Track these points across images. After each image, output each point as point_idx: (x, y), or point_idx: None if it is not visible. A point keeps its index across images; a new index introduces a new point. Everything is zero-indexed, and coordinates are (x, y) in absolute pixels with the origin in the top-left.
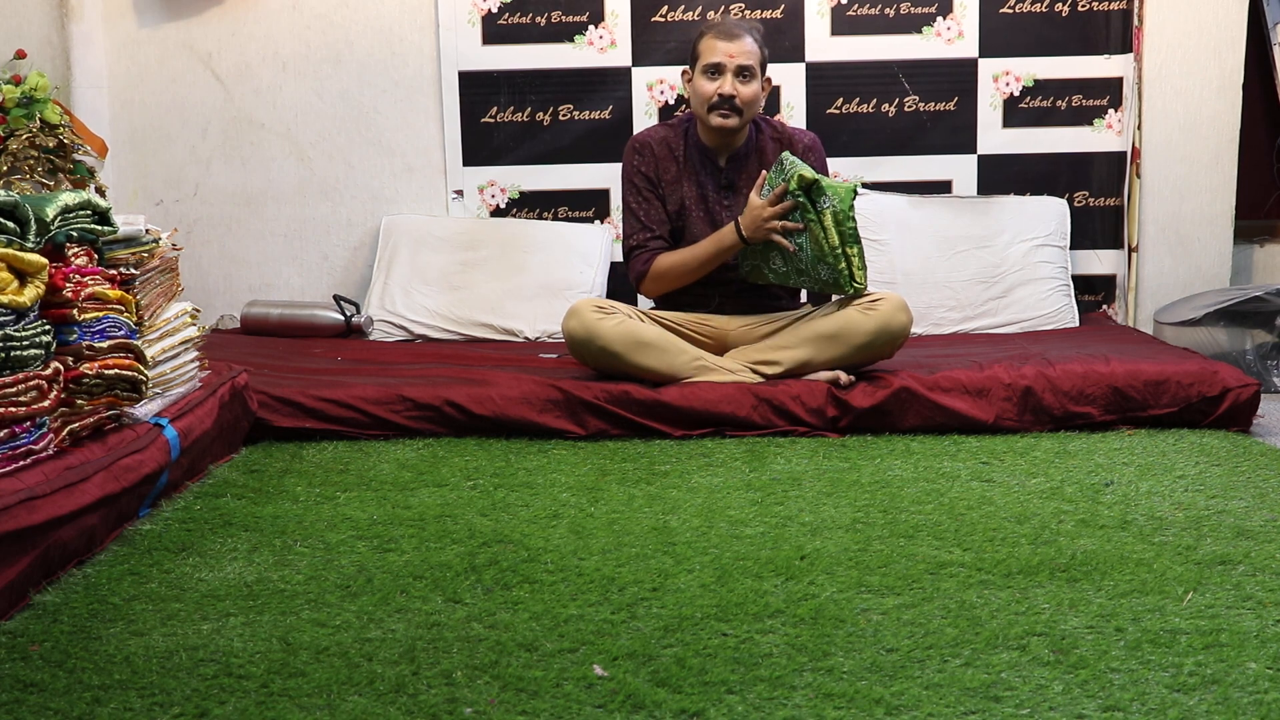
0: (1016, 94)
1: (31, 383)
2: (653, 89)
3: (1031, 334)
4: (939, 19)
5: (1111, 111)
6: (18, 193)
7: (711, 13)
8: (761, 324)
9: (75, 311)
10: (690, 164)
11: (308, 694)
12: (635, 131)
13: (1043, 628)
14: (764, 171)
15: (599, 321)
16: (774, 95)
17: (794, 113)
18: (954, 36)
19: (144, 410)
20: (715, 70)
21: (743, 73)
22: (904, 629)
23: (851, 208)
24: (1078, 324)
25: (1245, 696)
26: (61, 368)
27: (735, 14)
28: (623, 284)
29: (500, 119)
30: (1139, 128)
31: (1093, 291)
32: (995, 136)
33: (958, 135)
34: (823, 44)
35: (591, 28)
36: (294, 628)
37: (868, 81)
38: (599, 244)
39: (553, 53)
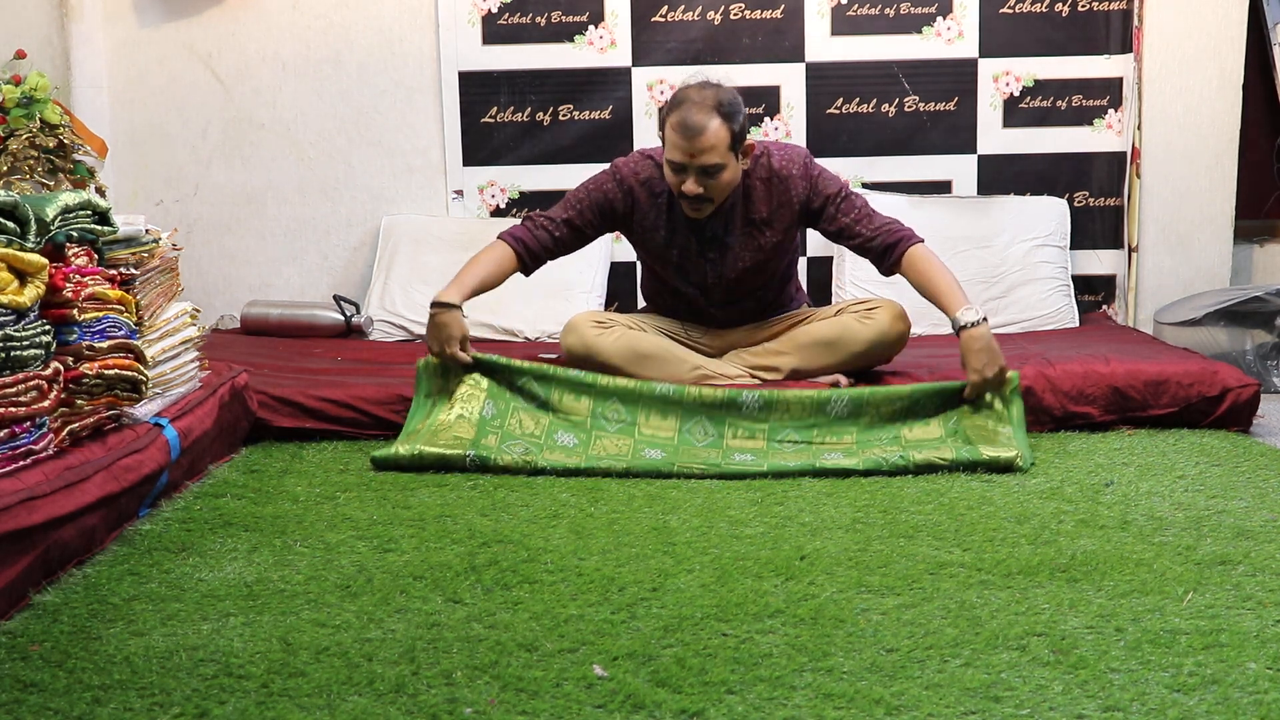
0: (1016, 94)
1: (31, 383)
2: (653, 89)
3: (1031, 334)
4: (939, 19)
5: (1111, 111)
6: (18, 193)
7: (712, 12)
8: (759, 328)
9: (75, 311)
10: (674, 213)
11: (308, 694)
12: (633, 132)
13: (1043, 628)
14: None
15: (598, 338)
16: (774, 96)
17: (794, 113)
18: (954, 36)
19: (144, 410)
20: (679, 168)
21: (708, 170)
22: (904, 629)
23: None
24: (1078, 324)
25: (1245, 696)
26: (61, 368)
27: (735, 15)
28: (623, 283)
29: (500, 119)
30: (1139, 128)
31: (1093, 291)
32: (995, 136)
33: (958, 135)
34: (823, 44)
35: (591, 28)
36: (294, 628)
37: (868, 81)
38: (599, 244)
39: (553, 53)
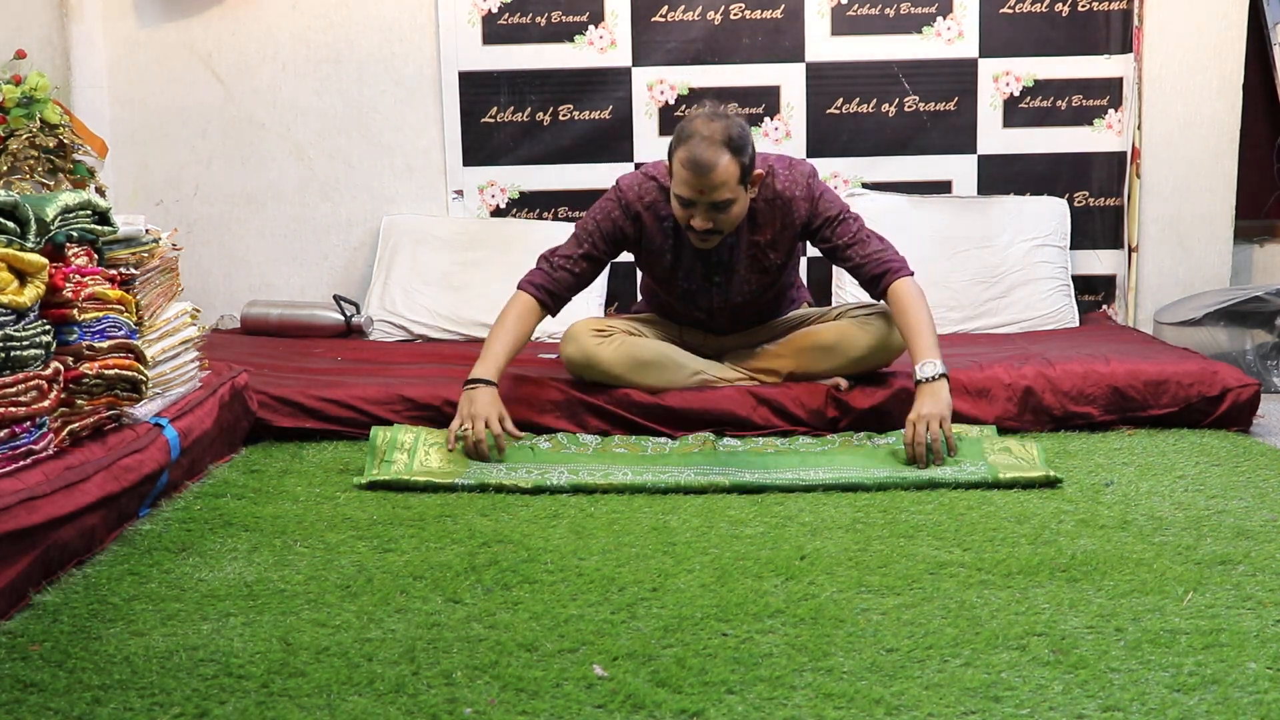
0: (1016, 94)
1: (31, 383)
2: (653, 89)
3: (1031, 334)
4: (939, 19)
5: (1111, 111)
6: (18, 193)
7: (712, 12)
8: (759, 331)
9: (75, 311)
10: (680, 239)
11: (308, 694)
12: (633, 132)
13: (1043, 628)
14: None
15: (598, 348)
16: (774, 96)
17: (794, 113)
18: (954, 36)
19: (144, 410)
20: (688, 203)
21: (718, 205)
22: (904, 629)
23: None
24: (1078, 324)
25: (1245, 696)
26: (61, 368)
27: (735, 15)
28: (623, 283)
29: (500, 119)
30: (1139, 128)
31: (1093, 291)
32: (995, 136)
33: (958, 135)
34: (823, 44)
35: (591, 28)
36: (294, 628)
37: (868, 81)
38: None
39: (553, 53)
